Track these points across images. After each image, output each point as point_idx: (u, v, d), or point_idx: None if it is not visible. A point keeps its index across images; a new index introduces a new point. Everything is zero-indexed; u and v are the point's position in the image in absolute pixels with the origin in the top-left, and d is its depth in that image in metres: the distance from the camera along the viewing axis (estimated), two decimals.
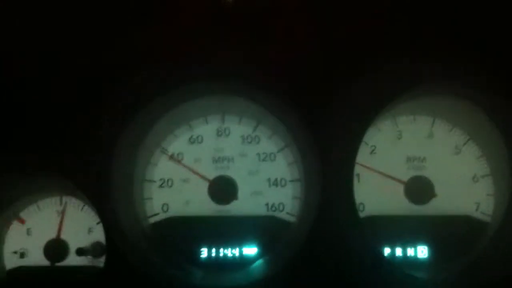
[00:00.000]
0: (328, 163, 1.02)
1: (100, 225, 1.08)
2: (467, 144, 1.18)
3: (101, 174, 1.01)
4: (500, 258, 1.07)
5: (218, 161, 1.18)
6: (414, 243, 1.15)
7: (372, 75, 1.02)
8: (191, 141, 1.19)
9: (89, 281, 1.02)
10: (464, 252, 1.13)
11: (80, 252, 1.10)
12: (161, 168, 1.18)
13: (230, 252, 1.15)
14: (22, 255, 1.12)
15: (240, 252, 1.15)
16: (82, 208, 1.14)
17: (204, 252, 1.15)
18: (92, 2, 1.04)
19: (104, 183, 1.01)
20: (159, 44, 1.03)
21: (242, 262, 1.14)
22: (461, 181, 1.17)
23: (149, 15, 1.04)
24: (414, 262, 1.15)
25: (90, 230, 1.13)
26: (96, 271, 1.03)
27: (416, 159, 1.18)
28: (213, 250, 1.15)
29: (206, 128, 1.19)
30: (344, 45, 1.04)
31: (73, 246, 1.12)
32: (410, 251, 1.15)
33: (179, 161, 1.18)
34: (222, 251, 1.15)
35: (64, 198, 1.15)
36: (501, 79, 1.03)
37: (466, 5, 1.04)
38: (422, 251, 1.15)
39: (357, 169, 1.15)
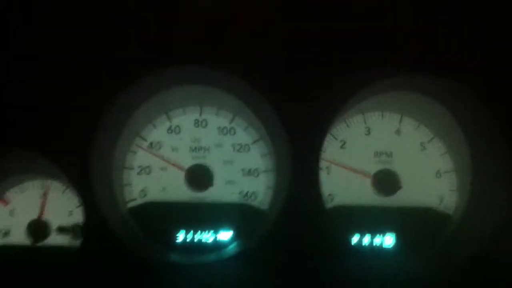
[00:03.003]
0: (296, 155, 1.08)
1: (80, 208, 1.13)
2: (432, 141, 1.24)
3: (82, 158, 1.06)
4: (460, 248, 1.13)
5: (195, 151, 1.24)
6: (380, 232, 1.22)
7: (340, 69, 1.08)
8: (169, 131, 1.24)
9: (67, 260, 1.07)
10: (427, 241, 1.20)
11: (61, 229, 1.16)
12: (140, 156, 1.23)
13: (204, 236, 1.21)
14: (5, 234, 1.18)
15: (215, 237, 1.21)
16: (64, 191, 1.20)
17: (180, 236, 1.20)
18: None
19: (84, 167, 1.06)
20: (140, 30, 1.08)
21: (216, 246, 1.20)
22: (426, 176, 1.24)
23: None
24: (380, 251, 1.21)
25: (70, 213, 1.19)
26: (74, 250, 1.09)
27: (383, 154, 1.24)
28: (189, 234, 1.21)
29: (184, 119, 1.25)
30: (317, 43, 1.10)
31: (54, 227, 1.18)
32: (376, 240, 1.21)
33: (154, 154, 1.23)
34: (197, 236, 1.21)
35: (47, 181, 1.20)
36: (465, 80, 1.09)
37: None
38: (387, 240, 1.21)
39: (327, 162, 1.23)
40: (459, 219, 1.20)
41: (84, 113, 1.06)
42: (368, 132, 1.25)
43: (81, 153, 1.06)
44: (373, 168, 1.23)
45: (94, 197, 1.06)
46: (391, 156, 1.24)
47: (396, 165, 1.23)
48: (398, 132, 1.25)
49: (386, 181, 1.22)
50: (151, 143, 1.24)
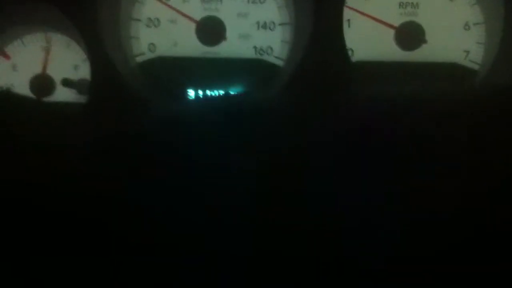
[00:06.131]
0: (318, 4, 0.99)
1: (86, 62, 1.07)
2: None
3: (89, 5, 0.98)
4: (484, 102, 1.09)
5: (205, 1, 1.14)
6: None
7: None
8: None
9: (75, 114, 1.02)
10: (449, 96, 1.15)
11: (66, 82, 1.10)
12: (148, 6, 1.14)
13: (217, 93, 1.16)
14: (8, 90, 1.11)
15: (228, 93, 1.15)
16: (68, 45, 1.12)
17: (191, 93, 1.15)
18: None
19: (92, 15, 0.98)
20: None
21: (229, 104, 1.14)
22: (453, 29, 1.15)
23: None
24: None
25: (76, 67, 1.12)
26: (82, 105, 1.04)
27: (409, 5, 1.15)
28: (200, 91, 1.15)
29: None
30: None
31: (58, 82, 1.12)
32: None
33: (164, 3, 1.13)
34: (209, 93, 1.15)
35: (49, 34, 1.12)
36: None
37: None
38: None
39: (349, 14, 1.13)
40: (485, 74, 1.13)
41: None
42: None
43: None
44: (397, 20, 1.14)
45: (103, 48, 0.99)
46: (417, 7, 1.14)
47: (421, 17, 1.14)
48: None
49: (410, 34, 1.14)
50: None
